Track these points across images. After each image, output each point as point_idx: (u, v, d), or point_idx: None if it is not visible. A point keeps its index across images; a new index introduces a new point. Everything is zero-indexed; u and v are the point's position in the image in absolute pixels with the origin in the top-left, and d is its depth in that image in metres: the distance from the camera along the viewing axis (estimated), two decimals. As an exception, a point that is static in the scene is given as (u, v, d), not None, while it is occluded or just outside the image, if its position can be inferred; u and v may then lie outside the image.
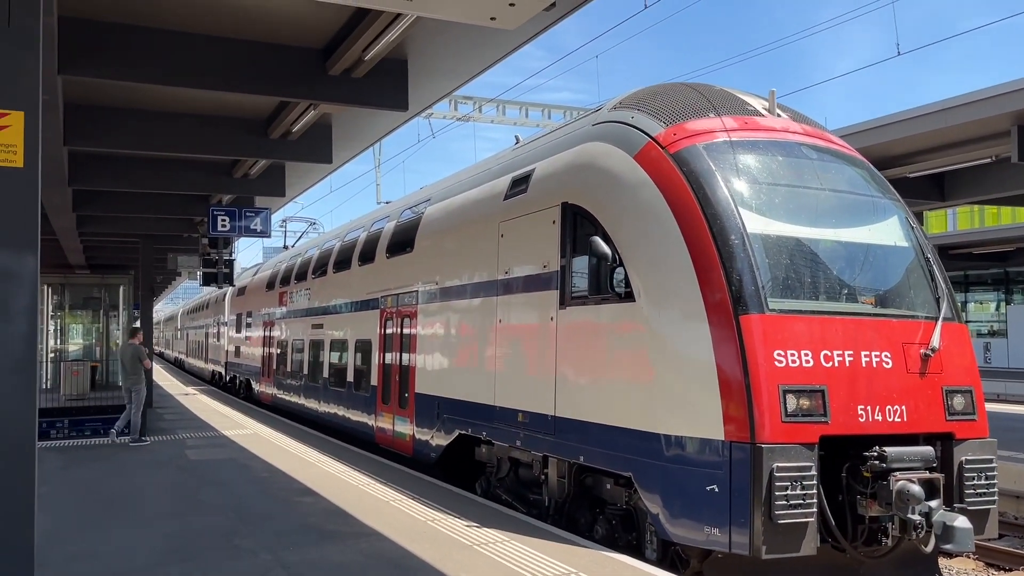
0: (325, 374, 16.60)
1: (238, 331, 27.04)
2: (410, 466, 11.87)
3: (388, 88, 9.61)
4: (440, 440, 10.90)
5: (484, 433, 9.69)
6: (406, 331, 12.33)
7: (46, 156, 11.11)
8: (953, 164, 17.14)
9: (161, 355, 61.26)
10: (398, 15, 7.44)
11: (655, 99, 8.24)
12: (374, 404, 13.64)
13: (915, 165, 17.15)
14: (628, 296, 7.37)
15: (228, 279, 19.20)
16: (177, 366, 50.59)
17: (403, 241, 12.90)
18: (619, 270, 7.47)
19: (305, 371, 18.15)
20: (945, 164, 17.14)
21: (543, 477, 8.76)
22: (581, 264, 8.05)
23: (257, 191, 15.13)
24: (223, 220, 15.23)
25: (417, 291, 11.95)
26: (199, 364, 39.29)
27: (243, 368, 26.31)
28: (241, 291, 27.52)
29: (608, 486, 7.92)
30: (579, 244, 8.13)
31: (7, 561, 3.71)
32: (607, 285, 7.45)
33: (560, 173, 8.70)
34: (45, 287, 24.75)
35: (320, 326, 17.15)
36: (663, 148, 7.52)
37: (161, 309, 69.68)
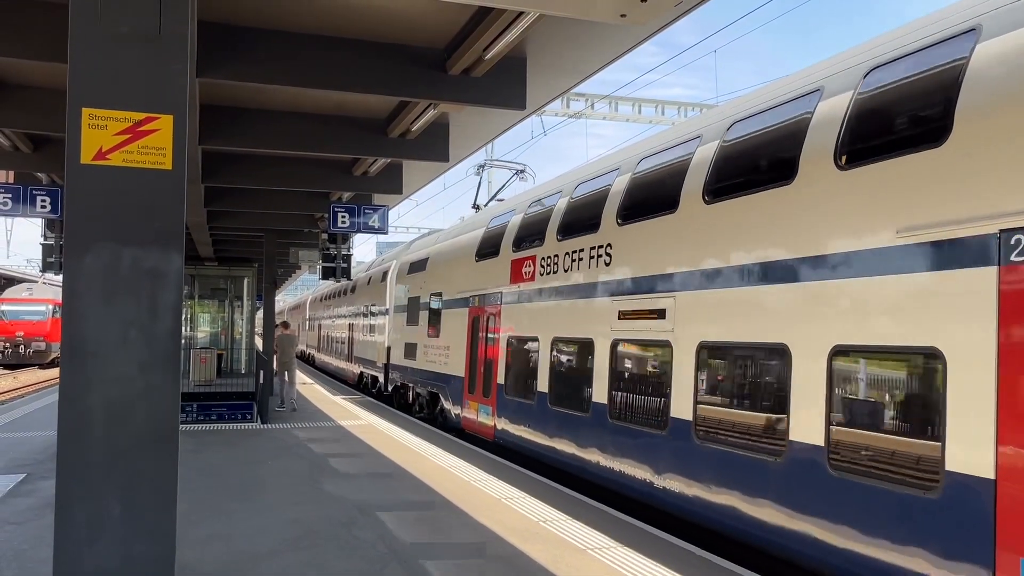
0: (682, 412, 8.43)
1: (413, 322, 19.09)
2: None
3: (507, 87, 9.61)
4: None
5: None
6: None
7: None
8: None
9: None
10: (520, 13, 7.41)
11: None
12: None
13: None
14: None
15: (346, 273, 19.76)
16: (306, 361, 44.05)
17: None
18: None
19: (602, 397, 10.03)
20: None
21: None
22: None
23: (376, 188, 15.47)
24: (343, 216, 15.68)
25: None
26: (337, 363, 31.98)
27: (421, 375, 18.03)
28: (418, 266, 19.59)
29: None
30: None
31: (152, 541, 3.88)
32: None
33: None
34: (179, 278, 26.09)
35: (649, 315, 9.18)
36: None
37: (282, 299, 72.51)
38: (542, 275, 12.15)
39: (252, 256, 26.78)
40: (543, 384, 11.78)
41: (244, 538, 7.68)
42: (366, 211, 15.72)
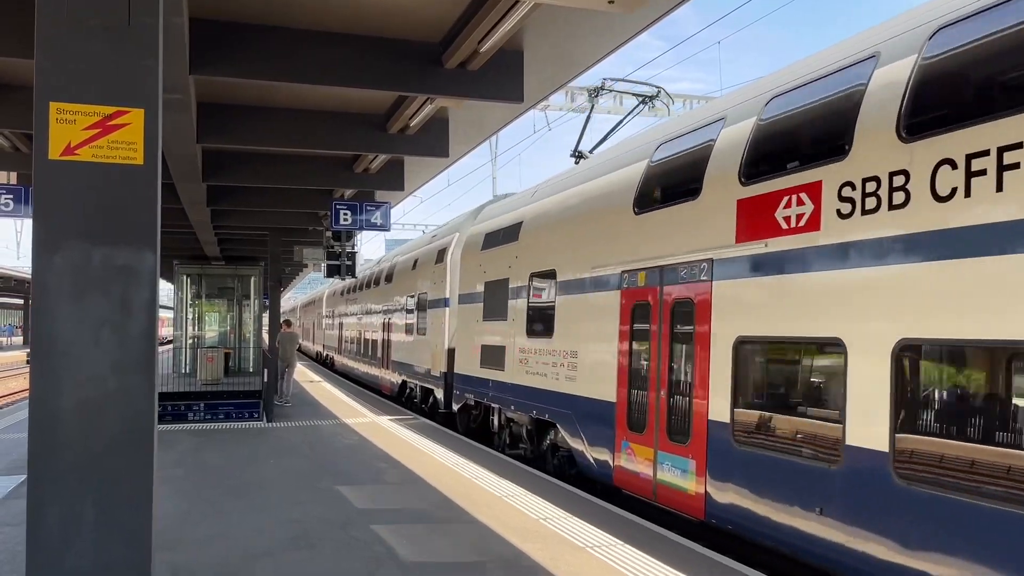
0: None
1: (495, 315, 13.96)
2: None
3: (503, 80, 9.50)
4: None
5: None
6: None
7: (181, 154, 11.72)
8: None
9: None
10: (514, 3, 7.30)
11: None
12: None
13: None
14: None
15: (350, 271, 19.68)
16: (323, 364, 39.68)
17: None
18: None
19: None
20: None
21: None
22: None
23: (377, 185, 15.40)
24: (345, 214, 15.57)
25: None
26: (367, 369, 26.75)
27: (516, 394, 12.72)
28: (501, 236, 14.34)
29: None
30: None
31: (127, 544, 3.80)
32: None
33: None
34: (185, 277, 26.24)
35: None
36: None
37: (293, 296, 72.58)
38: (845, 217, 6.47)
39: (258, 255, 26.78)
40: (867, 434, 6.06)
41: (243, 537, 7.62)
42: (368, 208, 15.61)
